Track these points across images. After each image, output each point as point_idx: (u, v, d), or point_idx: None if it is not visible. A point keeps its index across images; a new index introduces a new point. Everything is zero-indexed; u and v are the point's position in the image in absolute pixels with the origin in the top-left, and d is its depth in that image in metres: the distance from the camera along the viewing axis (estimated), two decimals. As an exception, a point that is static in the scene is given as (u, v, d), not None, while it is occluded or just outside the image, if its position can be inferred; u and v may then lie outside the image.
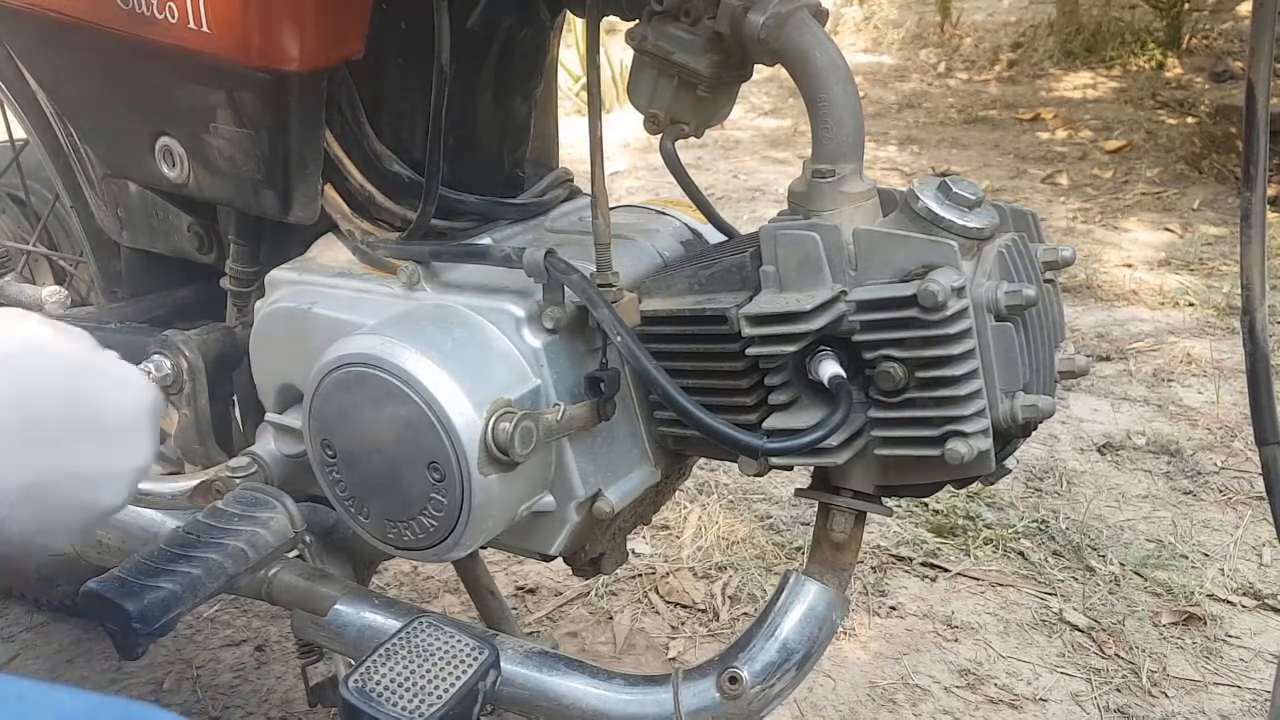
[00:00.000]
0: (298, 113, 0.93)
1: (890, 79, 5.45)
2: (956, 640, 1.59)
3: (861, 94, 1.22)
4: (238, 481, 0.98)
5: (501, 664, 0.87)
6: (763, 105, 4.96)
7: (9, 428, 0.64)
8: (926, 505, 1.87)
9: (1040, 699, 1.47)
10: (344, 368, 0.85)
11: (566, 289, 0.86)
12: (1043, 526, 1.84)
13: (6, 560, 0.73)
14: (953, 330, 0.76)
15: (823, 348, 0.82)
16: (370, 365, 0.84)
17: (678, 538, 1.82)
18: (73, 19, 1.00)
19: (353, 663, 0.89)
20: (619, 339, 0.83)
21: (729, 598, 1.67)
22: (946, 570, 1.74)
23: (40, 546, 0.69)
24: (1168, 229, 3.27)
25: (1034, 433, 0.85)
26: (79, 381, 0.69)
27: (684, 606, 1.66)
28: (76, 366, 0.70)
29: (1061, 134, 4.34)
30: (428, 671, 0.79)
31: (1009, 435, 0.83)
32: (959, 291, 0.75)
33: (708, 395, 0.85)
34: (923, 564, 1.75)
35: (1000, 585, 1.70)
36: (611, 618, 1.64)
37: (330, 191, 0.98)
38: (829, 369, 0.80)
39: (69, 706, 0.40)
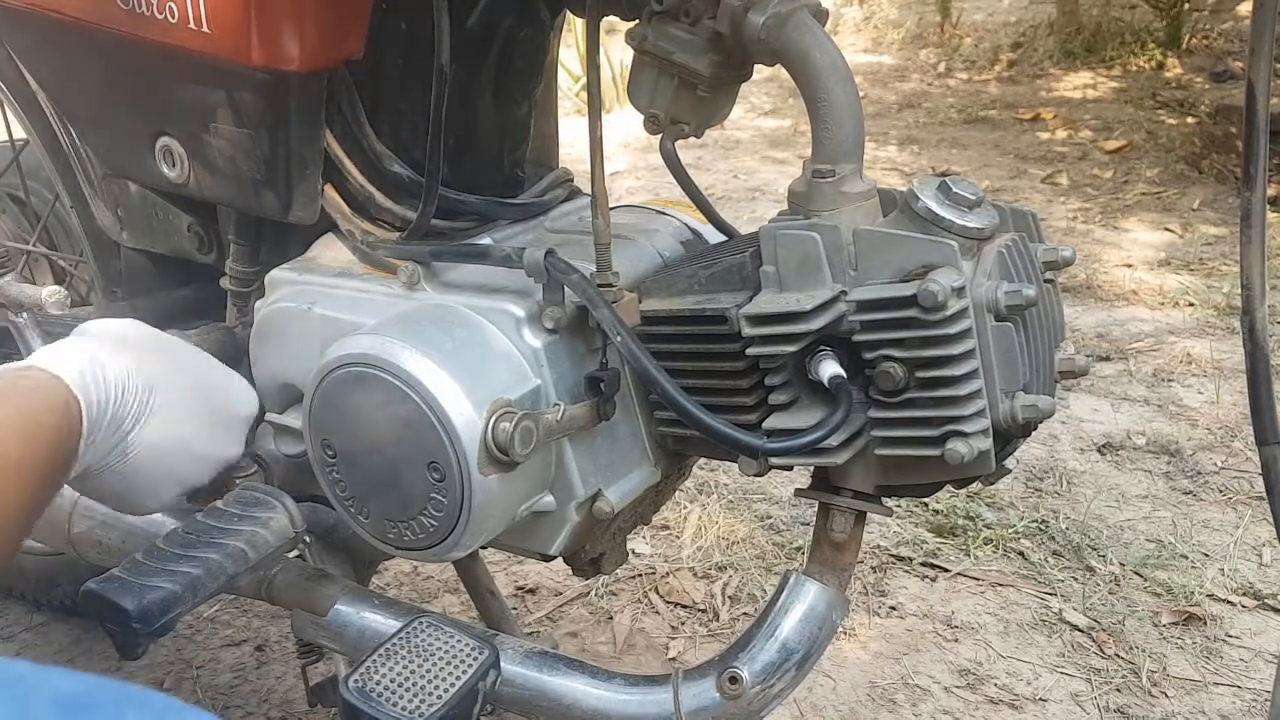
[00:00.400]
0: (298, 113, 0.93)
1: (890, 79, 5.45)
2: (956, 640, 1.59)
3: (861, 94, 1.22)
4: (238, 481, 0.97)
5: (501, 664, 0.87)
6: (763, 105, 4.96)
7: (161, 398, 0.83)
8: (926, 505, 1.87)
9: (1040, 699, 1.47)
10: (344, 368, 0.85)
11: (566, 289, 0.86)
12: (1043, 526, 1.84)
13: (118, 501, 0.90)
14: (953, 330, 0.76)
15: (823, 348, 0.82)
16: (370, 365, 0.84)
17: (678, 538, 1.82)
18: (73, 19, 1.00)
19: (353, 663, 0.89)
20: (619, 339, 0.83)
21: (729, 598, 1.67)
22: (946, 570, 1.74)
23: (137, 502, 0.88)
24: (1168, 229, 3.27)
25: (1034, 433, 0.85)
26: (207, 374, 0.92)
27: (684, 606, 1.66)
28: (207, 362, 0.93)
29: (1061, 134, 4.35)
30: (428, 671, 0.79)
31: (1009, 435, 0.83)
32: (959, 291, 0.75)
33: (708, 395, 0.85)
34: (923, 564, 1.75)
35: (1000, 585, 1.70)
36: (611, 618, 1.64)
37: (330, 191, 0.98)
38: (829, 369, 0.80)
39: (66, 687, 0.41)
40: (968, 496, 1.89)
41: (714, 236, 1.04)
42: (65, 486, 0.90)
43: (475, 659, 0.81)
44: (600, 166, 0.88)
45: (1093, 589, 1.68)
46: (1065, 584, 1.70)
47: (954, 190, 0.80)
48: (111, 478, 0.83)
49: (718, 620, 1.63)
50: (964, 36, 5.98)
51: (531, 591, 1.69)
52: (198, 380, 0.90)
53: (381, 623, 0.96)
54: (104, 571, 0.84)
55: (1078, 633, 1.60)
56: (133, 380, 0.82)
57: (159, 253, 1.14)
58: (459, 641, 0.82)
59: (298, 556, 1.03)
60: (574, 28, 4.00)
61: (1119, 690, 1.48)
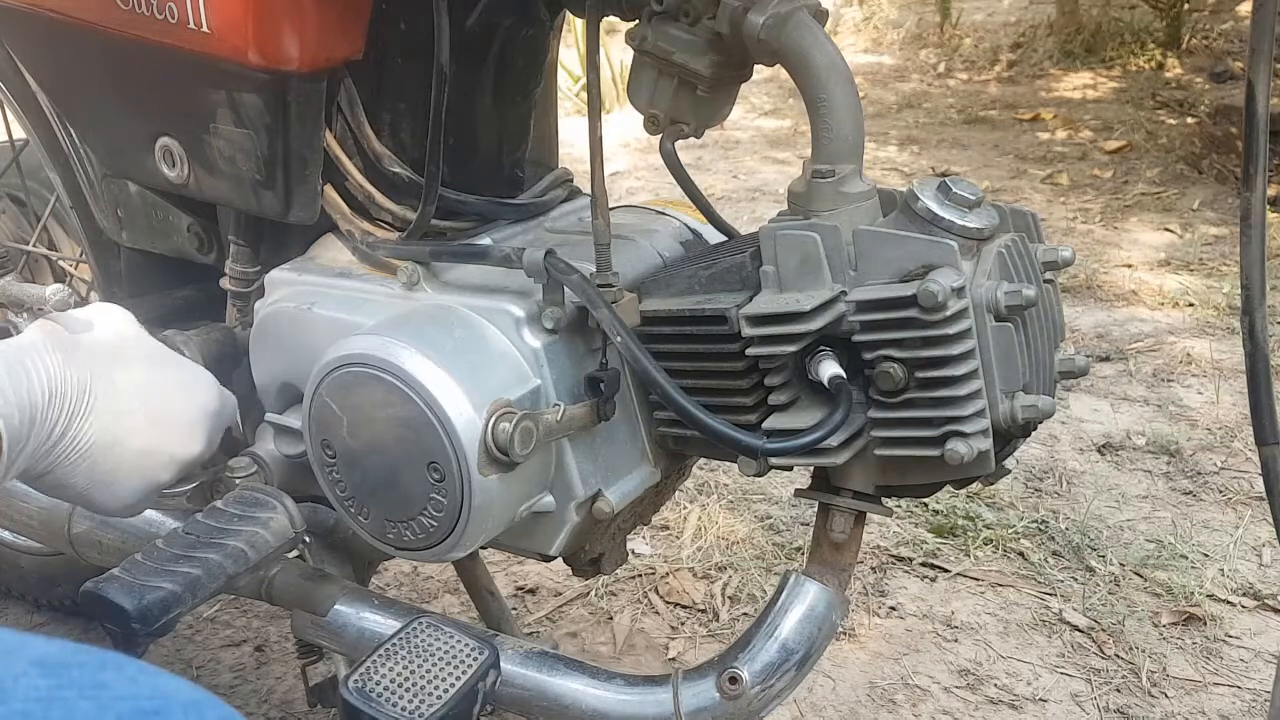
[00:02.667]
0: (297, 113, 0.93)
1: (890, 79, 5.45)
2: (956, 640, 1.59)
3: (861, 94, 1.22)
4: (238, 481, 0.97)
5: (501, 664, 0.87)
6: (763, 105, 4.96)
7: (104, 393, 0.81)
8: (926, 505, 1.87)
9: (1040, 699, 1.47)
10: (344, 368, 0.85)
11: (566, 289, 0.86)
12: (1043, 526, 1.84)
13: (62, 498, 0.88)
14: (952, 330, 0.76)
15: (823, 348, 0.82)
16: (370, 365, 0.84)
17: (678, 538, 1.82)
18: (73, 19, 1.00)
19: (353, 663, 0.89)
20: (619, 339, 0.83)
21: (729, 598, 1.67)
22: (946, 570, 1.74)
23: (96, 501, 0.84)
24: (1168, 229, 3.27)
25: (1034, 433, 0.85)
26: (159, 368, 0.88)
27: (684, 606, 1.66)
28: (162, 357, 0.89)
29: (1061, 134, 4.34)
30: (428, 672, 0.79)
31: (1009, 435, 0.83)
32: (959, 292, 0.75)
33: (708, 395, 0.85)
34: (923, 564, 1.75)
35: (1000, 585, 1.70)
36: (611, 618, 1.64)
37: (330, 192, 0.98)
38: (829, 369, 0.80)
39: (43, 651, 0.41)
40: (968, 496, 1.89)
41: (714, 236, 1.04)
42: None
43: (475, 659, 0.81)
44: (600, 166, 0.88)
45: (1093, 589, 1.68)
46: (1065, 584, 1.70)
47: (954, 190, 0.80)
48: (63, 476, 0.80)
49: (718, 620, 1.63)
50: (964, 37, 5.98)
51: (531, 591, 1.69)
52: (147, 376, 0.86)
53: (381, 623, 0.96)
54: (104, 571, 0.84)
55: (1078, 633, 1.60)
56: (63, 378, 0.78)
57: (159, 253, 1.14)
58: (459, 642, 0.82)
59: (298, 556, 1.03)
60: (574, 28, 4.00)
61: (1119, 690, 1.48)
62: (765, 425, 0.84)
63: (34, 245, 1.39)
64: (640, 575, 1.73)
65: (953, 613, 1.64)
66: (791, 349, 0.80)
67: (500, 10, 0.95)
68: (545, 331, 0.88)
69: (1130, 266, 2.99)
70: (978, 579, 1.72)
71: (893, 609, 1.65)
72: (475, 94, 0.98)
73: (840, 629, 1.20)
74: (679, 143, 0.94)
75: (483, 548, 1.00)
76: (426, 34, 0.88)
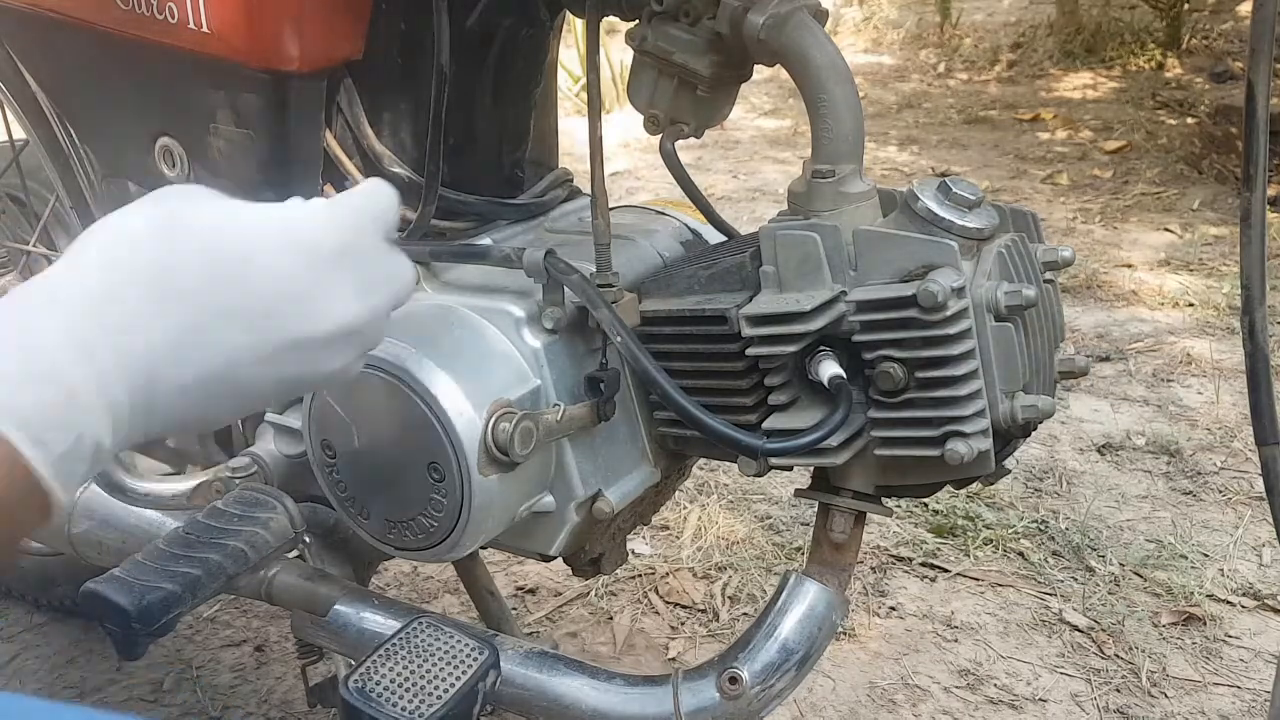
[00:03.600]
0: (297, 113, 0.93)
1: (890, 79, 5.45)
2: (956, 640, 1.59)
3: (861, 94, 1.22)
4: (238, 481, 0.97)
5: (501, 664, 0.87)
6: (763, 105, 4.96)
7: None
8: (926, 505, 1.87)
9: (1040, 699, 1.47)
10: (344, 368, 0.85)
11: (566, 289, 0.86)
12: (1043, 527, 1.84)
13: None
14: (952, 330, 0.76)
15: (823, 348, 0.82)
16: (370, 366, 0.84)
17: (678, 538, 1.82)
18: (73, 19, 1.00)
19: (353, 663, 0.90)
20: (619, 339, 0.83)
21: (729, 598, 1.67)
22: (946, 570, 1.74)
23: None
24: (1168, 229, 3.27)
25: (1034, 433, 0.85)
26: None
27: (684, 606, 1.66)
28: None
29: (1061, 134, 4.34)
30: (428, 672, 0.79)
31: (1009, 435, 0.83)
32: (959, 292, 0.75)
33: (708, 395, 0.85)
34: (923, 564, 1.75)
35: (1000, 585, 1.70)
36: (611, 618, 1.64)
37: (330, 192, 0.98)
38: (829, 369, 0.80)
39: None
40: (968, 497, 1.89)
41: (714, 236, 1.04)
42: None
43: (475, 659, 0.81)
44: (600, 166, 0.88)
45: (1092, 589, 1.68)
46: (1065, 584, 1.70)
47: (954, 190, 0.80)
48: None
49: (718, 620, 1.63)
50: (964, 37, 5.98)
51: (531, 591, 1.69)
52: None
53: (381, 623, 0.96)
54: (104, 571, 0.84)
55: (1077, 633, 1.60)
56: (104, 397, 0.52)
57: (159, 253, 1.14)
58: (459, 641, 0.82)
59: (298, 556, 1.03)
60: (574, 28, 4.00)
61: (1119, 690, 1.48)
62: (765, 425, 0.84)
63: (34, 245, 1.39)
64: (640, 575, 1.73)
65: (953, 613, 1.64)
66: (791, 349, 0.80)
67: (500, 10, 0.95)
68: (545, 331, 0.88)
69: (1130, 266, 2.99)
70: (978, 579, 1.72)
71: (893, 609, 1.65)
72: (475, 94, 0.98)
73: (840, 629, 1.20)
74: (679, 143, 0.94)
75: (483, 548, 1.00)
76: (426, 34, 0.88)
